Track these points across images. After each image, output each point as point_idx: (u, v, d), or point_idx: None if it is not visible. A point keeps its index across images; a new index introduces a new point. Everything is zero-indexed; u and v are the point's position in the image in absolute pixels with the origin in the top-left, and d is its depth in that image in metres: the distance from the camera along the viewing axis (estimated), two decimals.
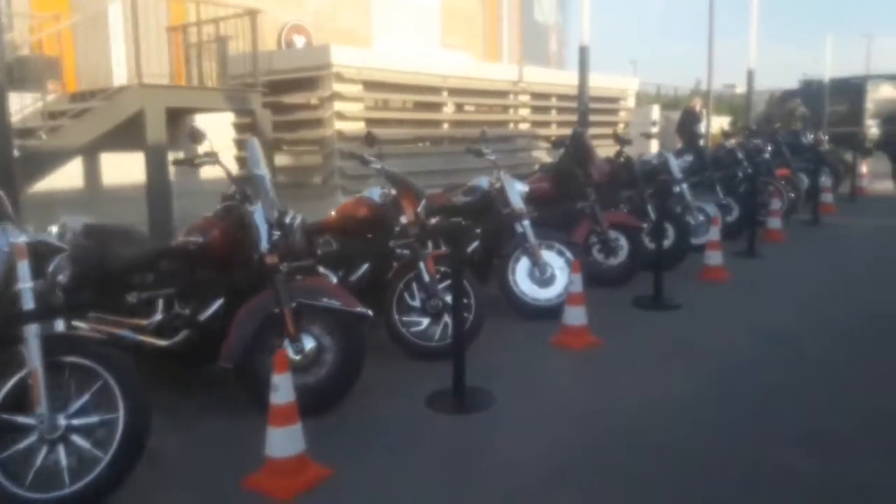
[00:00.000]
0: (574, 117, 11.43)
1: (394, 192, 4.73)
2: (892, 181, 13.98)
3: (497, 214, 5.67)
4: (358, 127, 9.76)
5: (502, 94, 12.28)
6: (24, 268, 2.91)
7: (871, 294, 6.24)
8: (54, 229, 4.49)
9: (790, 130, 12.14)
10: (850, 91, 20.75)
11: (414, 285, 4.62)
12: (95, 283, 4.21)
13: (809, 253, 8.11)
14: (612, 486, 3.02)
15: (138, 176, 7.97)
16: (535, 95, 12.83)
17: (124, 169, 8.52)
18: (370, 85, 9.77)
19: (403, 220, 4.65)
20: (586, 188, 6.32)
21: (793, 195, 9.84)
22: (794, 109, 15.14)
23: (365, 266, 4.79)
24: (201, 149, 3.94)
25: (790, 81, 26.87)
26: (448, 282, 4.61)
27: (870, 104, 20.42)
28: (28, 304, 2.89)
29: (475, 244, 5.71)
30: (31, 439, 2.85)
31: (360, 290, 4.75)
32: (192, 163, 3.90)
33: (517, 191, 5.59)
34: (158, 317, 4.03)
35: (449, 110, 11.53)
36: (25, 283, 2.90)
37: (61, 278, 3.78)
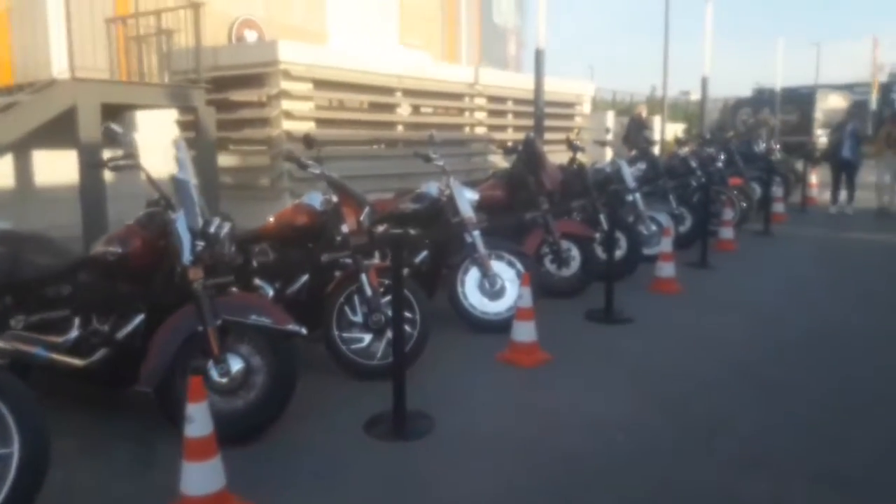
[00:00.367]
0: (531, 122, 11.31)
1: (335, 198, 4.47)
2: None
3: (446, 223, 5.46)
4: (307, 127, 9.43)
5: (458, 96, 12.06)
6: None
7: (822, 305, 6.22)
8: None
9: (743, 139, 12.24)
10: (800, 100, 21.20)
11: (356, 299, 4.36)
12: (5, 295, 3.89)
13: (761, 263, 8.11)
14: None
15: (72, 176, 7.54)
16: (492, 98, 12.65)
17: (57, 168, 8.07)
18: (321, 83, 9.45)
19: (345, 228, 4.39)
20: (538, 196, 6.16)
21: (745, 205, 9.88)
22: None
23: (304, 278, 4.52)
24: (123, 149, 3.62)
25: (745, 89, 27.30)
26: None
27: (819, 114, 20.87)
28: None
29: (423, 254, 5.49)
30: None
31: (298, 304, 4.51)
32: (107, 165, 3.58)
33: (467, 199, 5.39)
34: (74, 333, 3.71)
35: (404, 112, 11.28)
36: None
37: None
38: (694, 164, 9.23)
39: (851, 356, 4.86)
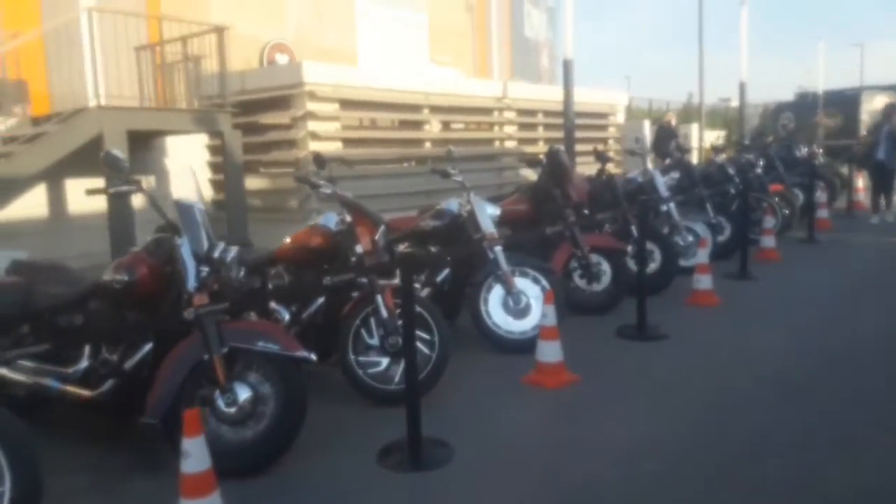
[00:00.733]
0: (562, 134, 11.11)
1: (349, 218, 4.35)
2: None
3: (468, 240, 5.30)
4: (334, 147, 9.42)
5: (487, 111, 11.96)
6: None
7: (871, 316, 5.86)
8: None
9: (783, 144, 11.79)
10: (845, 102, 20.48)
11: (372, 321, 4.22)
12: (20, 325, 3.86)
13: (805, 273, 7.73)
14: None
15: (102, 203, 7.61)
16: (521, 112, 12.51)
17: (87, 196, 8.15)
18: (347, 103, 9.43)
19: (359, 249, 4.27)
20: (565, 209, 5.96)
21: (787, 212, 9.49)
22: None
23: (320, 301, 4.40)
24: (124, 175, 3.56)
25: (787, 94, 26.57)
26: None
27: (865, 116, 20.14)
28: None
29: (445, 272, 5.33)
30: None
31: (315, 327, 4.40)
32: (108, 192, 3.52)
33: (488, 214, 5.22)
34: (84, 363, 3.65)
35: (432, 128, 11.20)
36: None
37: None
38: (731, 171, 8.89)
39: None
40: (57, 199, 8.15)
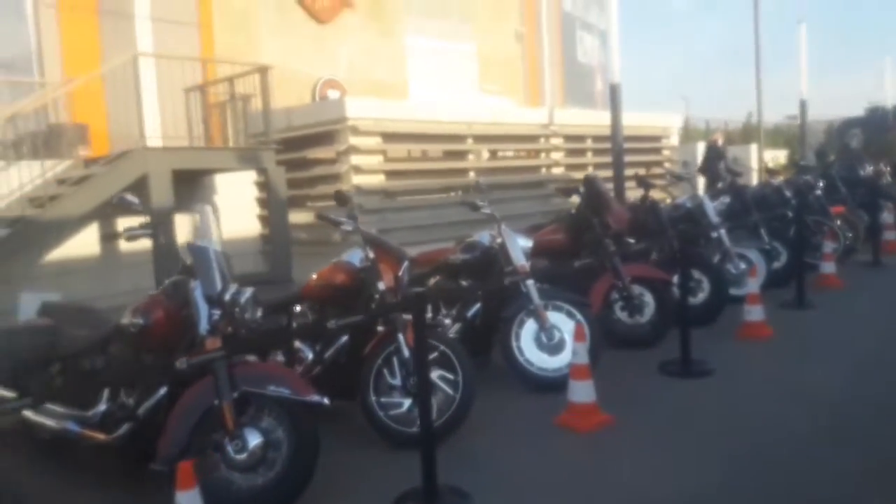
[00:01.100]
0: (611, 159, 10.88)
1: (371, 255, 4.28)
2: None
3: (500, 273, 5.15)
4: (377, 180, 9.46)
5: (533, 138, 11.84)
6: None
7: None
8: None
9: (846, 163, 11.21)
10: None
11: (394, 360, 4.11)
12: (47, 367, 3.92)
13: (868, 301, 7.24)
14: None
15: (149, 241, 7.79)
16: (569, 138, 12.34)
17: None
18: (389, 136, 9.47)
19: (381, 286, 4.18)
20: (604, 239, 5.75)
21: (850, 235, 8.97)
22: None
23: (343, 339, 4.32)
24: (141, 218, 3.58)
25: (857, 110, 25.51)
26: (435, 354, 4.13)
27: None
28: None
29: (476, 307, 5.19)
30: None
31: (338, 366, 4.32)
32: (123, 235, 3.54)
33: (519, 246, 5.07)
34: (102, 407, 3.66)
35: (477, 158, 11.14)
36: None
37: None
38: (788, 193, 8.48)
39: None
40: (106, 237, 8.38)
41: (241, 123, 9.11)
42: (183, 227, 7.17)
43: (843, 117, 24.43)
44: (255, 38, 12.21)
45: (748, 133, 23.57)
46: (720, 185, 8.76)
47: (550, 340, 4.90)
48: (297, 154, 9.70)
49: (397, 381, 4.08)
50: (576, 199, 6.17)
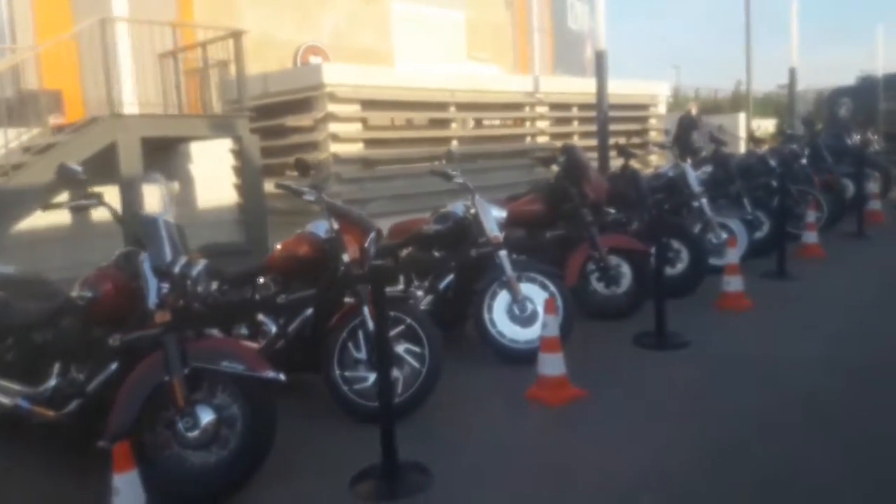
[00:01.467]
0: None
1: (336, 225, 4.13)
2: None
3: (473, 244, 5.02)
4: (356, 149, 9.26)
5: (518, 106, 11.63)
6: None
7: None
8: None
9: (834, 132, 11.07)
10: None
11: (360, 334, 3.99)
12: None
13: (849, 272, 7.15)
14: None
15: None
16: (555, 106, 12.14)
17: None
18: (368, 104, 9.25)
19: (346, 257, 4.04)
20: (581, 209, 5.62)
21: (834, 204, 8.86)
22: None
23: (307, 312, 4.19)
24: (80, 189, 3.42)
25: (848, 79, 25.24)
26: (401, 328, 4.02)
27: None
28: None
29: (449, 278, 5.08)
30: None
31: (302, 340, 4.20)
32: (66, 206, 3.38)
33: (493, 217, 4.93)
34: (52, 382, 3.53)
35: (460, 126, 10.93)
36: None
37: None
38: (773, 162, 8.35)
39: None
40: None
41: (213, 91, 8.87)
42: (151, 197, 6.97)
43: (834, 86, 24.18)
44: (235, 4, 11.90)
45: (737, 102, 23.36)
46: (703, 154, 8.59)
47: (523, 312, 4.80)
48: (273, 121, 9.48)
49: (362, 355, 3.97)
50: (555, 168, 6.03)
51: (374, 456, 3.31)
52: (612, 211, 6.33)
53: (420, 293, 5.09)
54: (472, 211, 5.01)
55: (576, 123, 12.61)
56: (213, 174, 9.47)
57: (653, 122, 14.20)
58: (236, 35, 8.19)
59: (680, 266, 6.29)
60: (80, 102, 9.90)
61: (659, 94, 14.59)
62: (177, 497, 3.05)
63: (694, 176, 7.10)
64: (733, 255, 5.99)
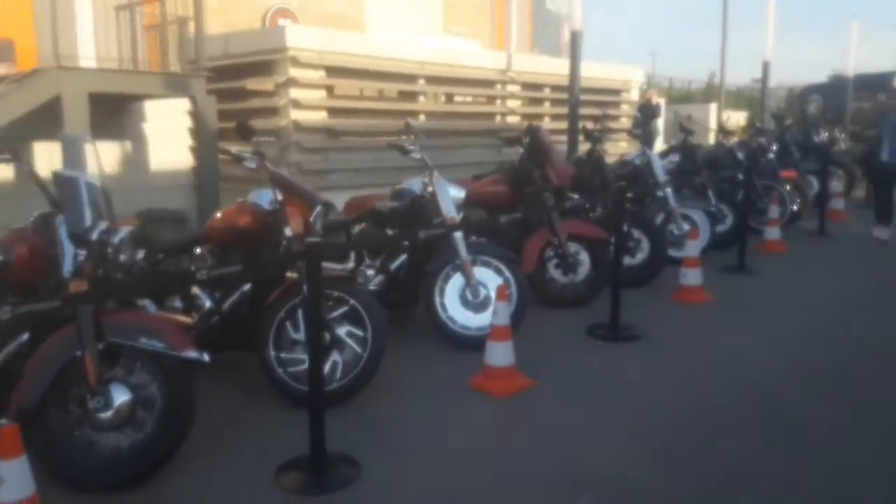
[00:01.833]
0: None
1: (280, 197, 3.89)
2: None
3: (428, 223, 4.82)
4: (320, 117, 8.94)
5: (489, 83, 11.37)
6: None
7: (879, 322, 5.27)
8: None
9: (803, 129, 11.05)
10: (878, 87, 19.45)
11: (299, 313, 3.77)
12: None
13: (809, 269, 7.13)
14: None
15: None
16: (527, 86, 11.91)
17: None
18: (333, 71, 8.92)
19: (288, 231, 3.81)
20: (543, 193, 5.45)
21: (798, 200, 8.84)
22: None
23: (245, 288, 3.96)
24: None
25: (821, 76, 25.41)
26: (344, 309, 3.81)
27: None
28: None
29: (401, 259, 4.88)
30: None
31: (239, 317, 3.97)
32: None
33: (450, 196, 4.73)
34: None
35: (429, 100, 10.66)
36: None
37: None
38: (741, 155, 8.28)
39: None
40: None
41: (176, 49, 8.46)
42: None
43: (806, 83, 24.34)
44: None
45: (710, 93, 23.37)
46: (672, 143, 8.48)
47: (476, 297, 4.62)
48: (233, 84, 9.10)
49: (300, 336, 3.76)
50: (519, 149, 5.84)
51: (305, 444, 3.12)
52: (575, 196, 6.18)
53: (371, 272, 4.89)
54: (430, 189, 4.80)
55: (547, 105, 12.41)
56: (169, 135, 9.05)
57: (624, 107, 14.05)
58: None
59: (640, 256, 6.18)
60: (35, 53, 9.41)
61: (633, 80, 14.42)
62: (80, 483, 2.83)
63: (660, 165, 6.97)
64: (693, 248, 5.88)
